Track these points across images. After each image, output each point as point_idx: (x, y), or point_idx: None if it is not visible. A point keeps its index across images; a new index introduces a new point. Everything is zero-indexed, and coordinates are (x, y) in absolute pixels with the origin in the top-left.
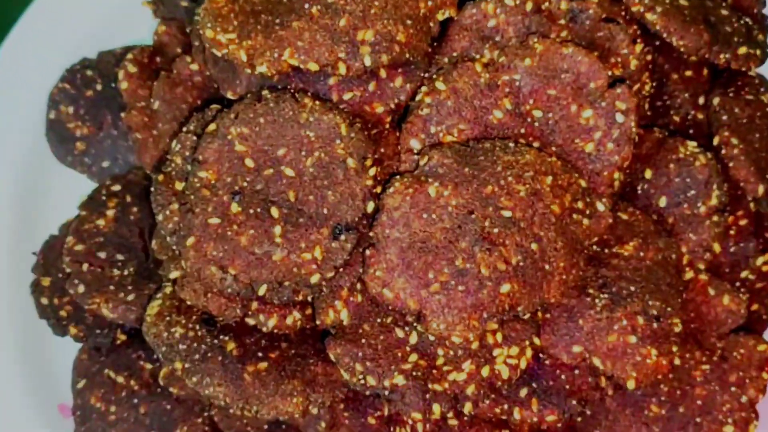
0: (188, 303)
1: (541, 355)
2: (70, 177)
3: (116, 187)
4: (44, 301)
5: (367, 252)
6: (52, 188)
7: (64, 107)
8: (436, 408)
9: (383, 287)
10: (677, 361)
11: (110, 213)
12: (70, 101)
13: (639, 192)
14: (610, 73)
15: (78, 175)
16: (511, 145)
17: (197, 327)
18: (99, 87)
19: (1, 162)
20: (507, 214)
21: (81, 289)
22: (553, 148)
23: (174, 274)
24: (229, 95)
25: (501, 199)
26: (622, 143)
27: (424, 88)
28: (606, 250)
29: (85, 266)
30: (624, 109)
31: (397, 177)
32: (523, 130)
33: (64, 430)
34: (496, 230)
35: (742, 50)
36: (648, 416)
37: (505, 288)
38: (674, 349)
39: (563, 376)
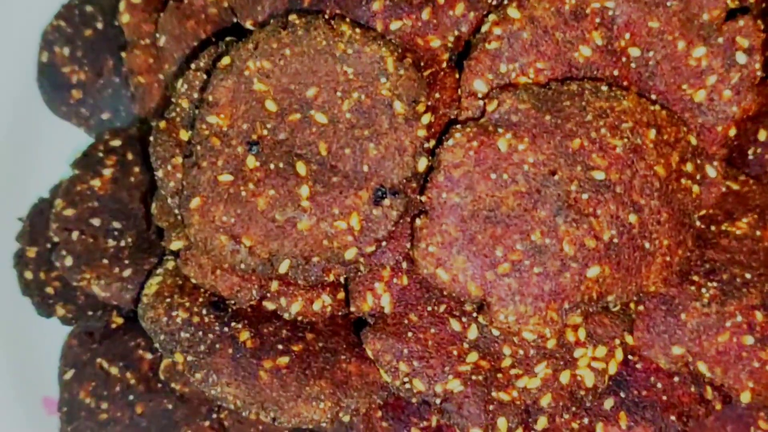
0: (193, 281)
1: (632, 357)
2: (64, 130)
3: (116, 143)
4: (28, 275)
5: (418, 222)
6: (43, 143)
7: (59, 48)
8: (502, 423)
9: (437, 267)
10: None
11: (107, 173)
12: (65, 41)
13: (750, 157)
14: (728, 1)
15: (73, 128)
16: (604, 88)
17: (204, 311)
18: (99, 26)
19: None
20: (599, 175)
21: (69, 261)
22: (654, 96)
23: (176, 246)
24: (248, 25)
25: (592, 156)
26: (743, 91)
27: (492, 16)
28: (714, 228)
29: (75, 234)
30: (747, 47)
31: (458, 126)
32: (616, 72)
33: (48, 429)
34: (585, 196)
35: None
36: None
37: (594, 271)
38: None
39: (659, 385)
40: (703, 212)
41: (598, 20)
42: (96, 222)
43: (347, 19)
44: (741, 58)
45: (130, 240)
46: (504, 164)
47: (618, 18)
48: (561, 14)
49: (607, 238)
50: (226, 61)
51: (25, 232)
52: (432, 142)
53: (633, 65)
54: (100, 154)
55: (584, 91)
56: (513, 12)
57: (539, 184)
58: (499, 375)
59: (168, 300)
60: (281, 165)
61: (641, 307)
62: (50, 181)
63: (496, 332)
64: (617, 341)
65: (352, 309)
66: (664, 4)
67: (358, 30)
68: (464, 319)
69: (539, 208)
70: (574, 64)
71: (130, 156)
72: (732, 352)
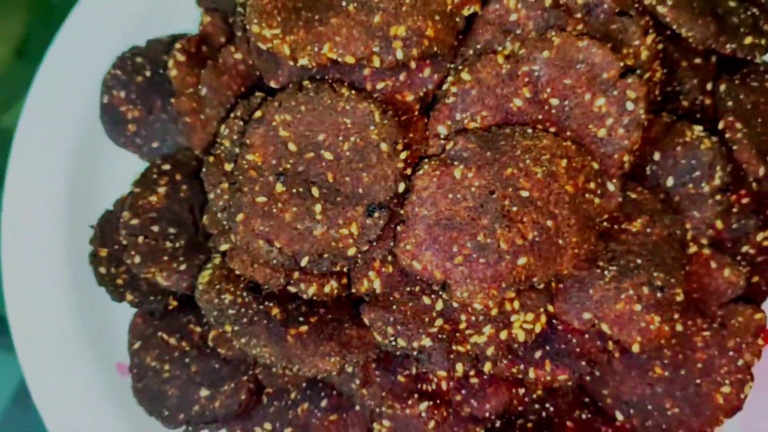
0: (236, 273)
1: (554, 321)
2: (123, 157)
3: (166, 166)
4: (102, 270)
5: (398, 228)
6: (107, 167)
7: (117, 92)
8: (459, 367)
9: (412, 259)
10: (679, 328)
11: (161, 190)
12: (121, 86)
13: (648, 173)
14: (622, 63)
15: (130, 155)
16: (530, 130)
17: (244, 294)
18: (148, 73)
19: (61, 144)
20: (525, 194)
21: (137, 259)
22: (568, 133)
23: (224, 247)
24: (272, 84)
25: (520, 180)
26: (632, 129)
27: (450, 78)
28: (615, 227)
29: (140, 239)
30: (634, 98)
31: (426, 160)
32: (540, 117)
33: (121, 386)
34: (514, 209)
35: (748, 40)
36: (652, 377)
37: (522, 261)
38: (676, 316)
39: (574, 340)
40: (606, 216)
41: (526, 79)
42: (155, 228)
43: (345, 83)
44: (630, 105)
45: (182, 242)
46: (458, 187)
47: (542, 77)
48: (499, 76)
49: (531, 238)
50: (258, 114)
51: (96, 237)
52: (408, 171)
53: (553, 111)
54: (155, 176)
55: (515, 133)
56: (465, 75)
57: (482, 200)
58: (458, 334)
59: (217, 287)
60: (301, 189)
61: (561, 285)
62: (113, 196)
63: (455, 305)
64: (542, 309)
65: (353, 290)
66: (575, 67)
67: (353, 91)
68: (432, 296)
69: (482, 217)
70: (510, 112)
71: (178, 176)
72: (626, 316)
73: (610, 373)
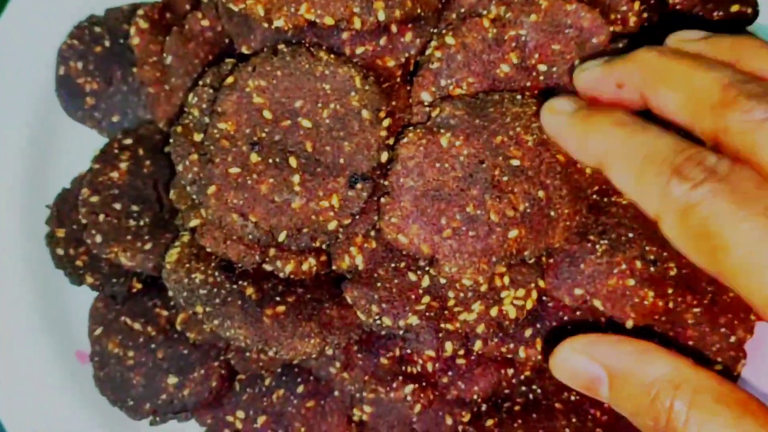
0: (207, 250)
1: (544, 298)
2: (81, 132)
3: (128, 141)
4: (60, 251)
5: (383, 200)
6: (63, 144)
7: (73, 63)
8: (449, 346)
9: (398, 233)
10: (670, 304)
11: (123, 166)
12: (79, 57)
13: None
14: (611, 29)
15: (88, 131)
16: (519, 97)
17: (216, 273)
18: (107, 43)
19: (13, 119)
20: (515, 163)
21: (98, 239)
22: None
23: (194, 223)
24: (244, 50)
25: (510, 149)
26: None
27: (433, 43)
28: (605, 199)
29: (101, 217)
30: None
31: (410, 128)
32: (529, 84)
33: (82, 375)
34: (505, 178)
35: (734, 8)
36: None
37: (513, 233)
38: (670, 291)
39: (566, 318)
40: (596, 188)
41: (513, 44)
42: (117, 206)
43: (323, 47)
44: None
45: (147, 220)
46: (445, 156)
47: (529, 42)
48: (485, 40)
49: (522, 209)
50: (230, 80)
51: (53, 216)
52: (391, 140)
53: (542, 78)
54: (116, 151)
55: (504, 100)
56: (449, 39)
57: (471, 170)
58: (446, 312)
59: (187, 265)
60: (277, 159)
61: (551, 260)
62: (70, 174)
63: (443, 280)
64: (533, 285)
65: (334, 267)
66: (563, 32)
67: (332, 55)
68: (419, 272)
69: (472, 188)
70: (497, 78)
71: (141, 151)
72: (618, 291)
73: None
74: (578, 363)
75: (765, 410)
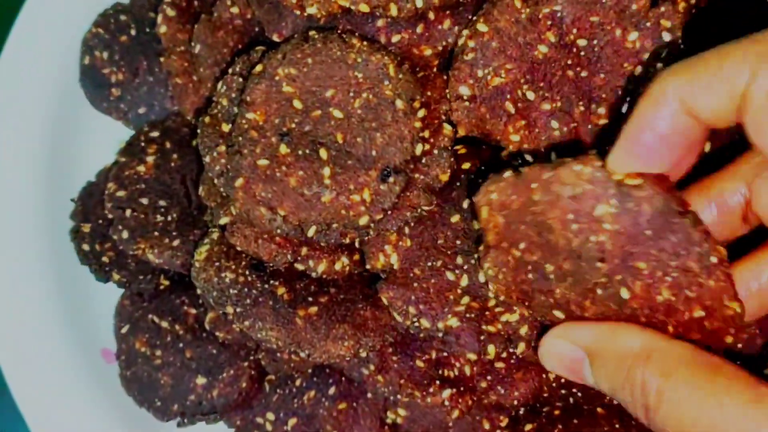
0: (238, 249)
1: None
2: (105, 124)
3: (155, 134)
4: (85, 247)
5: None
6: (87, 135)
7: (99, 52)
8: (491, 349)
9: None
10: None
11: (150, 159)
12: (104, 46)
13: None
14: None
15: (113, 122)
16: None
17: (247, 272)
18: (133, 32)
19: (36, 110)
20: None
21: (125, 235)
22: (602, 75)
23: (223, 221)
24: (275, 37)
25: None
26: (671, 62)
27: (466, 32)
28: None
29: (128, 212)
30: (669, 27)
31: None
32: (570, 62)
33: (108, 374)
34: None
35: None
36: None
37: None
38: None
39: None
40: None
41: (549, 22)
42: (144, 201)
43: (356, 34)
44: (667, 36)
45: (175, 215)
46: None
47: (565, 18)
48: (519, 22)
49: None
50: (259, 68)
51: (78, 211)
52: (427, 132)
53: (582, 54)
54: (142, 144)
55: None
56: (481, 26)
57: None
58: (487, 313)
59: (217, 264)
60: (307, 151)
61: None
62: (95, 167)
63: (482, 279)
64: None
65: (368, 267)
66: (600, 2)
67: (365, 42)
68: (457, 272)
69: None
70: (535, 60)
71: (168, 144)
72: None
73: None
74: (561, 347)
75: (739, 372)
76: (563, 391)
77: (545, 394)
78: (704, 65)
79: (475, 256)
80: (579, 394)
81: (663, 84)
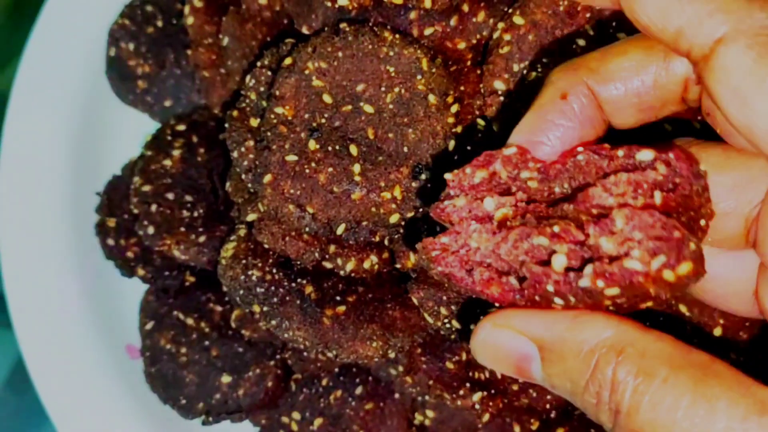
0: (265, 246)
1: None
2: (131, 116)
3: (181, 127)
4: (110, 242)
5: None
6: (113, 128)
7: (125, 44)
8: None
9: None
10: None
11: (177, 153)
12: (130, 38)
13: None
14: None
15: (139, 115)
16: None
17: (274, 270)
18: (160, 23)
19: (62, 102)
20: None
21: (151, 230)
22: None
23: (251, 218)
24: (304, 30)
25: None
26: None
27: (501, 25)
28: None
29: (153, 207)
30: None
31: None
32: None
33: (132, 370)
34: None
35: None
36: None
37: None
38: None
39: (648, 323)
40: None
41: (588, 14)
42: (170, 196)
43: (388, 27)
44: None
45: (201, 211)
46: None
47: (604, 10)
48: (557, 15)
49: None
50: (288, 61)
51: (103, 204)
52: (459, 128)
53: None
54: (169, 137)
55: None
56: (518, 19)
57: None
58: None
59: (243, 261)
60: (337, 147)
61: None
62: (121, 160)
63: None
64: None
65: (398, 266)
66: None
67: (397, 35)
68: None
69: None
70: (573, 54)
71: (194, 138)
72: None
73: None
74: (502, 339)
75: (733, 373)
76: None
77: None
78: None
79: None
80: None
81: None
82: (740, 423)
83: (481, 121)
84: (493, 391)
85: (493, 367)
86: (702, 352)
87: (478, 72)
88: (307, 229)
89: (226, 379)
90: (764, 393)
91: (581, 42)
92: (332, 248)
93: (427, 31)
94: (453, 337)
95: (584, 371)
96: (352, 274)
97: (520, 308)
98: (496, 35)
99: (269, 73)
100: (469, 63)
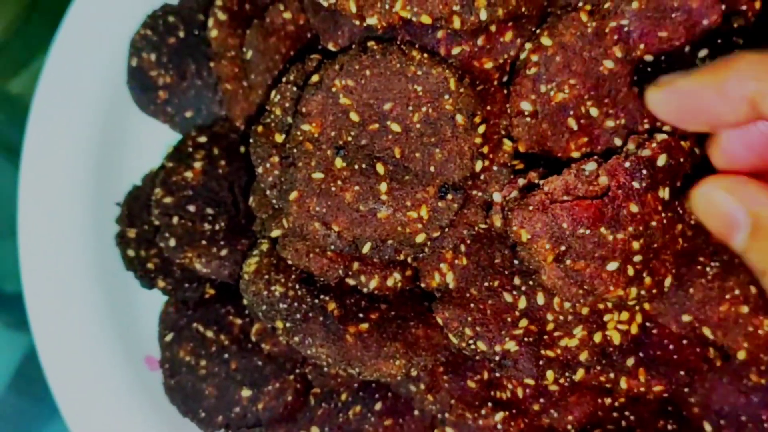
0: (289, 262)
1: (649, 324)
2: (152, 127)
3: (202, 139)
4: (130, 253)
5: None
6: (134, 138)
7: (146, 54)
8: (550, 375)
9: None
10: None
11: (198, 165)
12: (152, 48)
13: None
14: (723, 7)
15: (160, 125)
16: None
17: (297, 286)
18: (181, 34)
19: (83, 112)
20: None
21: (172, 243)
22: None
23: (275, 233)
24: (330, 46)
25: None
26: None
27: (528, 45)
28: None
29: (175, 219)
30: (742, 44)
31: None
32: (635, 77)
33: (151, 382)
34: None
35: None
36: (747, 385)
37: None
38: None
39: (671, 346)
40: None
41: (616, 36)
42: (192, 208)
43: (416, 45)
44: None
45: (222, 224)
46: None
47: (633, 33)
48: (585, 36)
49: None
50: (315, 78)
51: (123, 215)
52: (486, 148)
53: (649, 69)
54: (190, 149)
55: None
56: (545, 40)
57: None
58: (545, 337)
59: (266, 277)
60: (363, 165)
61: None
62: (141, 171)
63: (540, 302)
64: (637, 308)
65: (422, 285)
66: (670, 17)
67: (425, 54)
68: (515, 293)
69: None
70: (601, 76)
71: (216, 150)
72: (731, 319)
73: (698, 379)
74: (721, 200)
75: None
76: (615, 414)
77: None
78: None
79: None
80: (632, 417)
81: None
82: None
83: (508, 142)
84: (514, 411)
85: (701, 217)
86: None
87: (505, 92)
88: (332, 247)
89: (245, 392)
90: None
91: (609, 64)
92: (356, 265)
93: (455, 50)
94: (478, 358)
95: None
96: (375, 292)
97: (748, 179)
98: (523, 56)
99: (294, 88)
100: (495, 83)
